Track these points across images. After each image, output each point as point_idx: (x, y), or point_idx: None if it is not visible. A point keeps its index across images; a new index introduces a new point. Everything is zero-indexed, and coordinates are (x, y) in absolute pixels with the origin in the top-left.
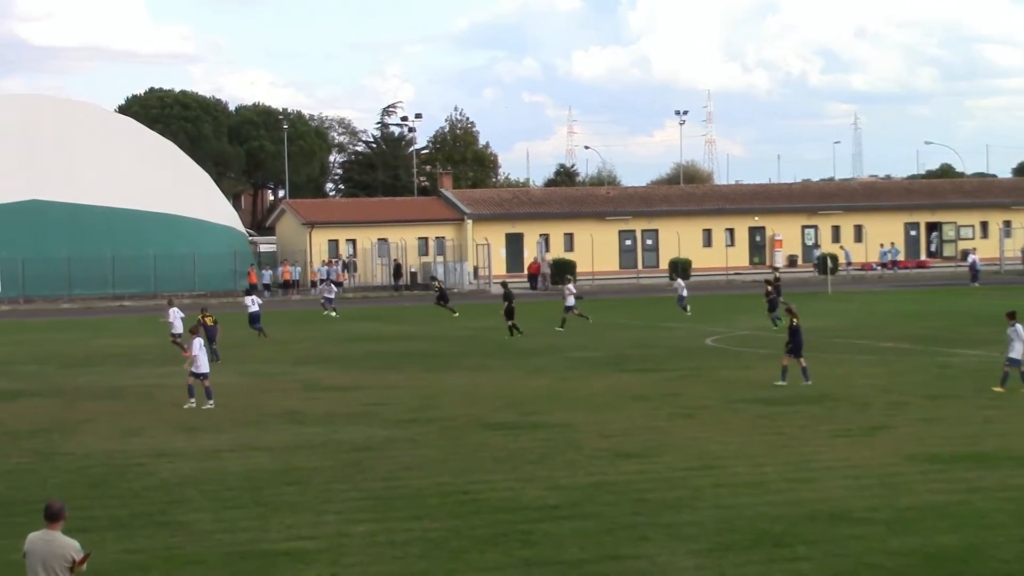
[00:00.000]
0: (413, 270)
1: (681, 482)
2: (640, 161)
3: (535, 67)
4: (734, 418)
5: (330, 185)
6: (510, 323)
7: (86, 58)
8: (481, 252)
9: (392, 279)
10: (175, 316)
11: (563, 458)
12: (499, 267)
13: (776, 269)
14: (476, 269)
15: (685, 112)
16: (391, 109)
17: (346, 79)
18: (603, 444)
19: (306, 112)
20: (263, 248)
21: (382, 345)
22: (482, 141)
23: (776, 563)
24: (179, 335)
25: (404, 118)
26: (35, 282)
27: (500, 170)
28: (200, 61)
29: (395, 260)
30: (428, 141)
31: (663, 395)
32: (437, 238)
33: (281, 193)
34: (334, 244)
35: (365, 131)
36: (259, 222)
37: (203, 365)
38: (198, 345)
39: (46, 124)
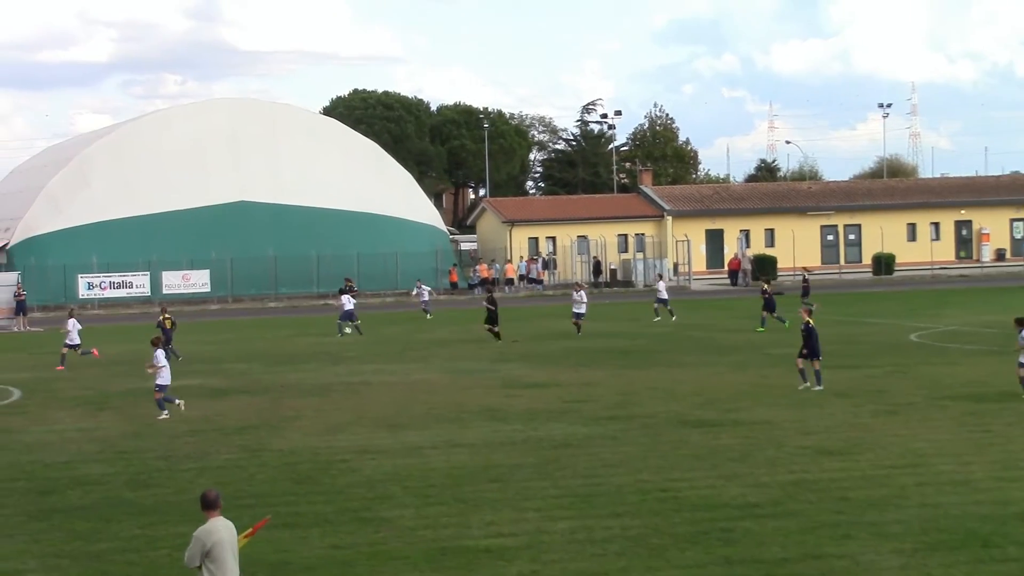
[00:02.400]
0: (613, 267)
1: (885, 480)
2: (842, 155)
3: (734, 62)
4: (939, 415)
5: (530, 183)
6: (492, 328)
7: (291, 61)
8: (681, 248)
9: (592, 276)
10: (73, 326)
11: (764, 455)
12: (699, 263)
13: (767, 279)
14: (676, 266)
15: (888, 105)
16: (591, 106)
17: (546, 77)
18: (805, 442)
19: (506, 111)
20: (464, 246)
21: (581, 342)
22: (682, 137)
23: (984, 564)
24: (76, 345)
25: (604, 115)
26: (243, 281)
27: (700, 166)
28: (402, 62)
29: (595, 257)
30: (628, 138)
31: (866, 392)
32: (637, 235)
33: (482, 191)
34: (534, 242)
35: (565, 129)
36: (460, 220)
37: (165, 377)
38: (162, 356)
39: (253, 127)
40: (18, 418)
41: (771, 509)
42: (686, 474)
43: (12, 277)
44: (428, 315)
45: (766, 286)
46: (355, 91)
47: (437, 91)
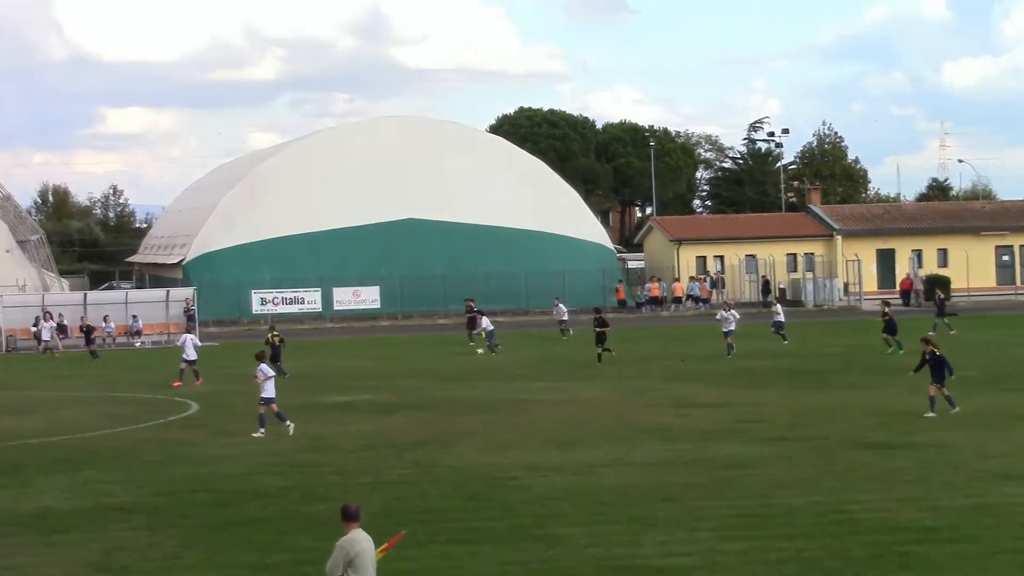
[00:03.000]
0: (782, 286)
1: None
2: (1018, 174)
3: (904, 80)
4: None
5: (697, 201)
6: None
7: (458, 79)
8: (851, 268)
9: (760, 295)
10: (190, 343)
11: (941, 479)
12: (870, 283)
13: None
14: (846, 285)
15: None
16: (758, 124)
17: (712, 95)
18: (983, 465)
19: (672, 129)
20: (631, 264)
21: (751, 362)
22: (851, 156)
23: None
24: (192, 361)
25: (771, 133)
26: (412, 298)
27: (869, 185)
28: (568, 80)
29: (763, 276)
30: (795, 156)
31: None
32: (806, 254)
33: (649, 210)
34: (701, 260)
35: (732, 147)
36: (627, 238)
37: (270, 390)
38: (265, 371)
39: (421, 145)
40: (196, 431)
41: (949, 534)
42: (860, 496)
43: (188, 292)
44: (564, 336)
45: (887, 308)
46: (521, 109)
47: (603, 109)
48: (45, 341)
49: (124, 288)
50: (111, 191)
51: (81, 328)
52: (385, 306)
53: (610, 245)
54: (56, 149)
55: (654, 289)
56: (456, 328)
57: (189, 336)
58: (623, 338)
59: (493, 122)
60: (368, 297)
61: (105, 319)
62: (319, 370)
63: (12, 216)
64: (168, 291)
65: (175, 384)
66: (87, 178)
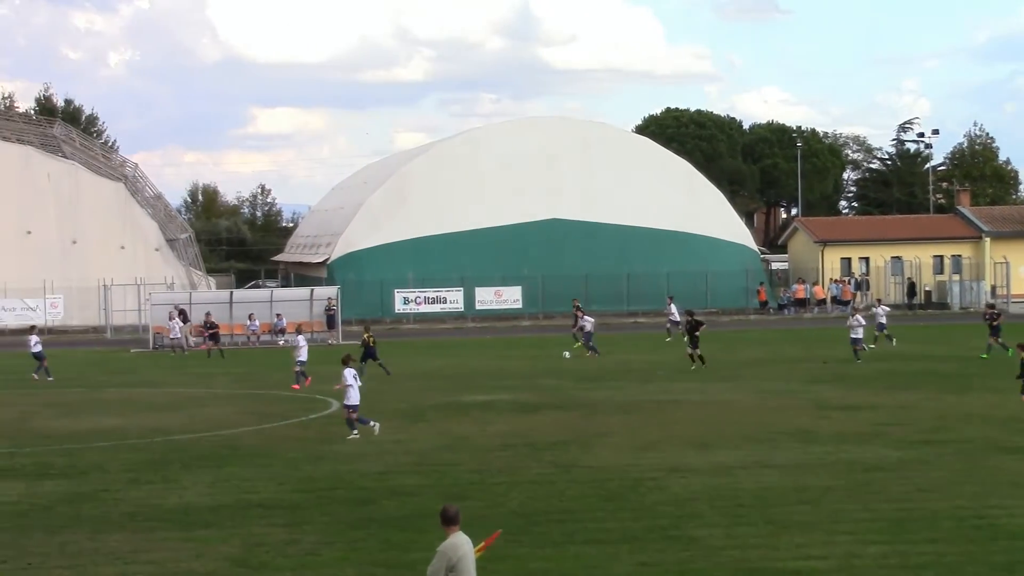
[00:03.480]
0: (928, 289)
1: None
2: None
3: None
4: None
5: (843, 203)
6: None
7: (604, 80)
8: (999, 271)
9: (906, 298)
10: (303, 342)
11: None
12: (1018, 286)
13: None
14: (994, 288)
15: None
16: (907, 125)
17: (860, 96)
18: None
19: (820, 129)
20: (775, 266)
21: (894, 364)
22: (1002, 157)
23: None
24: (304, 362)
25: (921, 134)
26: (554, 298)
27: (1021, 187)
28: (715, 80)
29: (909, 279)
30: (945, 157)
31: None
32: (953, 256)
33: (794, 211)
34: (846, 262)
35: (880, 148)
36: (771, 240)
37: (353, 398)
38: (350, 375)
39: (566, 145)
40: (336, 429)
41: None
42: (1004, 501)
43: (331, 291)
44: (669, 336)
45: (993, 311)
46: (667, 109)
47: (749, 109)
48: (174, 339)
49: (269, 287)
50: (259, 190)
51: (204, 325)
52: (527, 306)
53: (754, 246)
54: (206, 149)
55: (799, 291)
56: (597, 328)
57: (302, 337)
58: (764, 340)
59: (640, 122)
60: (510, 297)
61: (250, 317)
62: (460, 369)
63: (162, 215)
64: (312, 290)
65: (294, 387)
66: (236, 177)
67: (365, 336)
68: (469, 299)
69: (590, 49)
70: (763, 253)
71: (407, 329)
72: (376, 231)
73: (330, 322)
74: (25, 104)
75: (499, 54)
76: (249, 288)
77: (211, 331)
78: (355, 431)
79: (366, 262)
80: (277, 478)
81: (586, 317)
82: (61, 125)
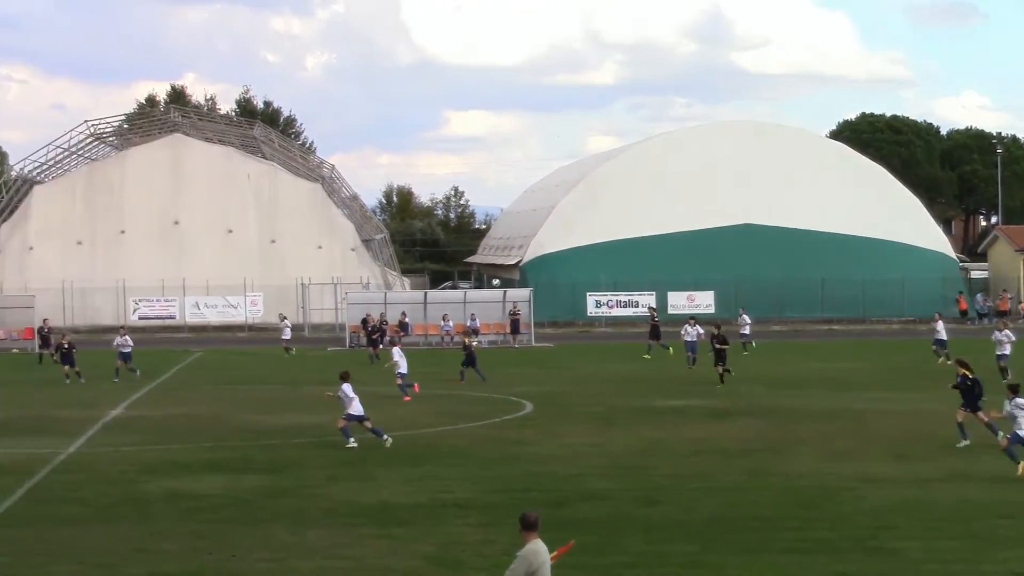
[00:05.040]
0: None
1: None
2: None
3: None
4: None
5: None
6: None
7: (798, 84)
8: None
9: None
10: (399, 355)
11: None
12: None
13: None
14: None
15: None
16: None
17: None
18: None
19: (1021, 136)
20: (974, 275)
21: None
22: None
23: None
24: (404, 374)
25: None
26: (747, 303)
27: None
28: (911, 85)
29: None
30: None
31: None
32: None
33: (994, 219)
34: None
35: None
36: (970, 248)
37: (356, 408)
38: (345, 391)
39: (759, 149)
40: (530, 430)
41: None
42: None
43: (524, 293)
44: (745, 350)
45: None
46: (863, 115)
47: (948, 115)
48: (284, 340)
49: (463, 288)
50: (452, 192)
51: (397, 325)
52: (719, 311)
53: (952, 254)
54: (401, 151)
55: (1003, 302)
56: (790, 335)
57: (396, 350)
58: (964, 351)
59: (834, 127)
60: (702, 302)
61: (444, 318)
62: (652, 374)
63: (358, 216)
64: (505, 291)
65: (405, 399)
66: (430, 179)
67: (466, 341)
68: (661, 303)
69: (783, 53)
70: (962, 261)
71: (599, 332)
72: (568, 234)
73: (514, 326)
74: (226, 106)
75: (690, 58)
76: (443, 289)
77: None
78: (352, 440)
79: (558, 264)
80: (472, 478)
81: (694, 327)
82: (261, 127)
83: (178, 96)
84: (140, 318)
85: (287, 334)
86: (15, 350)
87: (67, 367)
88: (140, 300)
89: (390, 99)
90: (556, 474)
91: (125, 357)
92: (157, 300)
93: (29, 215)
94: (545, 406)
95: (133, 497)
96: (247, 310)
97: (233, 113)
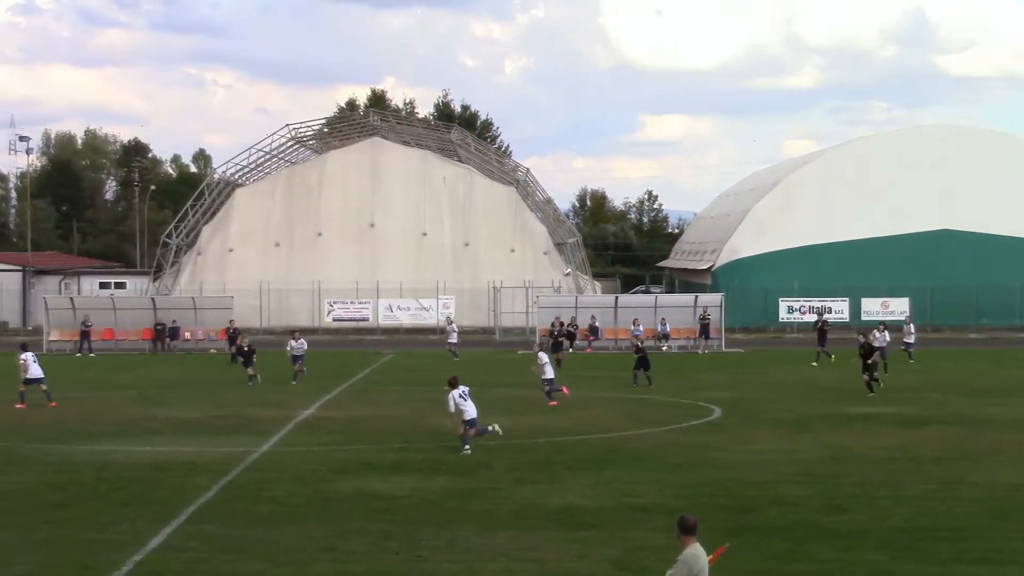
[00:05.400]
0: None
1: None
2: None
3: None
4: None
5: None
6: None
7: (1003, 88)
8: None
9: None
10: (544, 360)
11: None
12: None
13: None
14: None
15: None
16: None
17: None
18: None
19: None
20: None
21: None
22: None
23: None
24: (551, 379)
25: None
26: (943, 310)
27: None
28: None
29: None
30: None
31: None
32: None
33: None
34: None
35: None
36: None
37: (470, 412)
38: (456, 395)
39: (960, 154)
40: (719, 435)
41: None
42: None
43: (716, 298)
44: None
45: None
46: None
47: None
48: (451, 344)
49: (654, 292)
50: (646, 196)
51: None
52: (915, 318)
53: None
54: (595, 155)
55: None
56: (986, 343)
57: (544, 354)
58: None
59: None
60: (896, 308)
61: (634, 322)
62: (843, 381)
63: (551, 219)
64: (696, 296)
65: (552, 404)
66: (623, 183)
67: (637, 344)
68: (855, 309)
69: (988, 56)
70: None
71: (791, 338)
72: (762, 238)
73: (703, 331)
74: (424, 110)
75: (892, 61)
76: (634, 293)
77: (559, 337)
78: (467, 447)
79: (751, 269)
80: (658, 483)
81: (883, 332)
82: (458, 130)
83: (378, 100)
84: (334, 320)
85: (453, 338)
86: (212, 350)
87: (250, 369)
88: (335, 302)
89: (586, 103)
90: (744, 480)
91: (297, 360)
92: (351, 302)
93: (230, 217)
94: (734, 411)
95: (323, 496)
96: (439, 313)
97: (431, 117)
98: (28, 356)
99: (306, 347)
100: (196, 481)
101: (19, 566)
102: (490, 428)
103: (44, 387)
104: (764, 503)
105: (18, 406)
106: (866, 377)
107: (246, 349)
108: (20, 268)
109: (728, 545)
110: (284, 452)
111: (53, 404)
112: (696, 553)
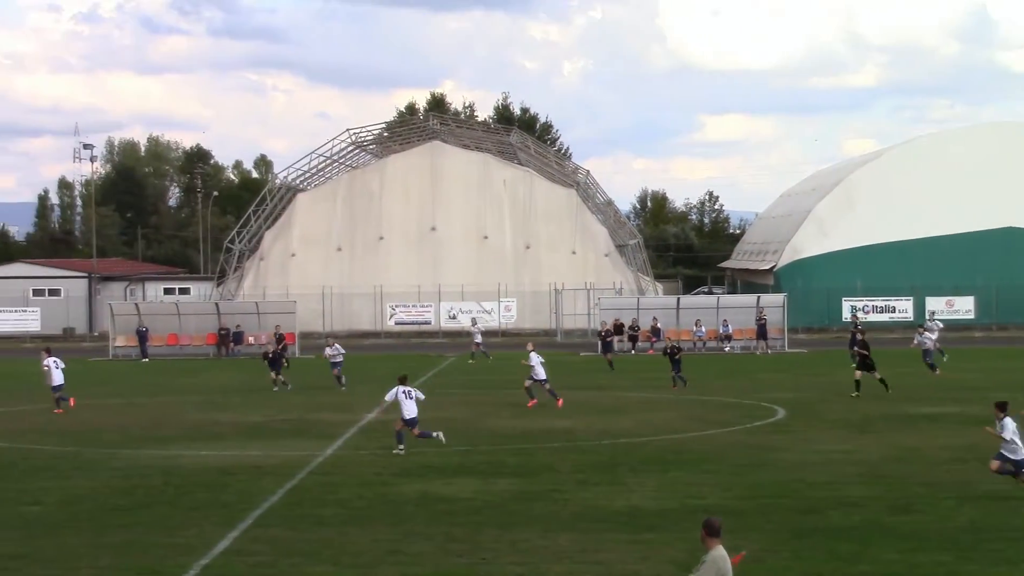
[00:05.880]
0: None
1: None
2: None
3: None
4: None
5: None
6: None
7: None
8: None
9: None
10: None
11: None
12: None
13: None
14: None
15: None
16: None
17: None
18: None
19: None
20: None
21: None
22: None
23: None
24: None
25: None
26: (1009, 309)
27: None
28: None
29: None
30: None
31: None
32: None
33: None
34: None
35: None
36: None
37: (409, 411)
38: (393, 394)
39: (1022, 151)
40: (782, 436)
41: None
42: None
43: (777, 299)
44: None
45: None
46: None
47: None
48: (477, 344)
49: (716, 293)
50: (707, 197)
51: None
52: (980, 317)
53: None
54: (655, 156)
55: None
56: None
57: (535, 354)
58: None
59: None
60: (962, 307)
61: (696, 323)
62: (906, 380)
63: (612, 221)
64: (758, 297)
65: (531, 403)
66: (684, 184)
67: (672, 343)
68: (919, 308)
69: None
70: None
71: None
72: (824, 238)
73: (761, 332)
74: (484, 113)
75: (954, 59)
76: (695, 294)
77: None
78: (401, 445)
79: (813, 269)
80: (722, 484)
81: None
82: (517, 133)
83: (437, 104)
84: (396, 323)
85: (478, 338)
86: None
87: (274, 374)
88: (396, 305)
89: (646, 104)
90: (808, 481)
91: (336, 367)
92: (413, 306)
93: (292, 222)
94: (797, 412)
95: (387, 499)
96: (500, 315)
97: (490, 120)
98: (51, 362)
99: (343, 353)
100: (262, 485)
101: (88, 570)
102: (434, 434)
103: (58, 393)
104: (828, 504)
105: (56, 411)
106: (877, 375)
107: (277, 350)
108: (86, 275)
109: (745, 552)
110: (348, 455)
111: (59, 411)
112: (723, 555)
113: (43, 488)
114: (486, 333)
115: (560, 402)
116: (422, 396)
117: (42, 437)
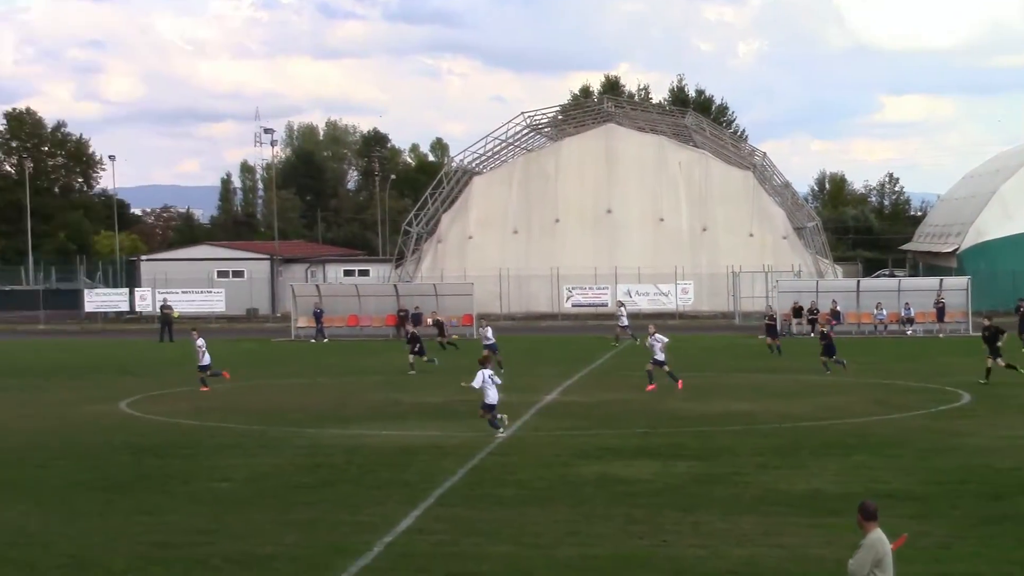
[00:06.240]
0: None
1: None
2: None
3: None
4: None
5: None
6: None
7: None
8: None
9: None
10: (658, 341)
11: None
12: None
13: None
14: None
15: None
16: None
17: None
18: None
19: None
20: None
21: None
22: None
23: None
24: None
25: None
26: None
27: None
28: None
29: None
30: None
31: None
32: None
33: None
34: None
35: None
36: None
37: (492, 397)
38: (482, 377)
39: None
40: (968, 421)
41: None
42: None
43: (960, 282)
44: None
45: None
46: None
47: None
48: (622, 327)
49: (898, 276)
50: (887, 179)
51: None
52: None
53: None
54: (833, 137)
55: None
56: None
57: (658, 336)
58: None
59: None
60: None
61: (877, 306)
62: None
63: (789, 203)
64: (941, 280)
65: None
66: (863, 166)
67: (823, 330)
68: None
69: None
70: None
71: None
72: (1009, 220)
73: (939, 315)
74: (659, 95)
75: None
76: (877, 277)
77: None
78: (500, 430)
79: (998, 252)
80: (906, 469)
81: None
82: (692, 115)
83: (612, 86)
84: (573, 305)
85: (624, 321)
86: (454, 336)
87: (414, 356)
88: (573, 288)
89: (823, 85)
90: (995, 466)
91: (492, 348)
92: (589, 288)
93: (469, 205)
94: (984, 397)
95: (567, 480)
96: (677, 298)
97: (665, 102)
98: (203, 343)
99: (493, 335)
100: (443, 464)
101: (274, 546)
102: (500, 418)
103: (205, 373)
104: (1017, 490)
105: (203, 389)
106: (990, 363)
107: (409, 335)
108: (268, 257)
109: (906, 536)
110: (528, 436)
111: (206, 388)
112: (881, 538)
113: (231, 465)
114: (662, 316)
115: (680, 384)
116: (499, 381)
117: (228, 416)
